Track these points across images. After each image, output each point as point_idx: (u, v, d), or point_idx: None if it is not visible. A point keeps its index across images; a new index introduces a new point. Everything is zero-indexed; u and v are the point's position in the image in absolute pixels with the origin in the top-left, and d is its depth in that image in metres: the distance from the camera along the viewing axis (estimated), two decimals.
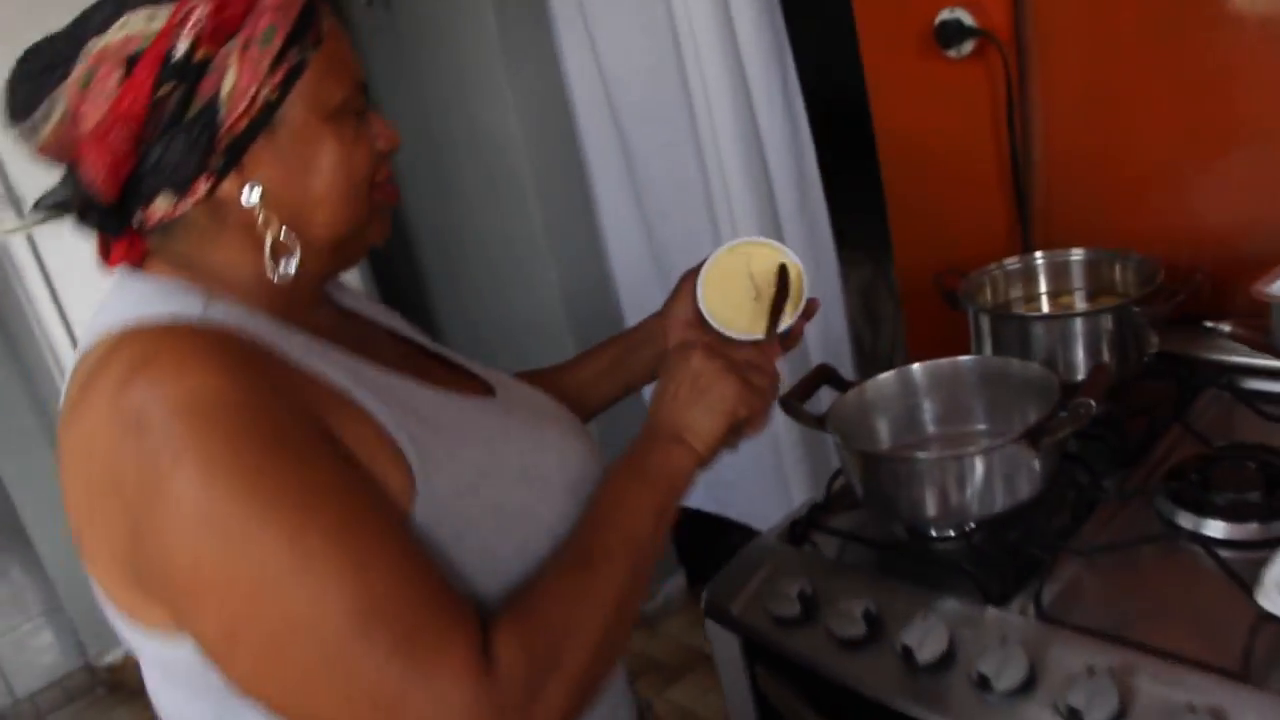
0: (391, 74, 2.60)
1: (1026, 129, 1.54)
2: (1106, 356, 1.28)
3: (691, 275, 1.13)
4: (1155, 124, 1.43)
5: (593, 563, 0.81)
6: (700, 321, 1.10)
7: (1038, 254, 1.46)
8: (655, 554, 0.87)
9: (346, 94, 0.82)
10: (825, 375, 1.29)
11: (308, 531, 0.69)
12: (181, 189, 0.78)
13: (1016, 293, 1.46)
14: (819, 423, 1.20)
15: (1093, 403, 1.04)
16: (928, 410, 1.28)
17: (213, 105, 0.76)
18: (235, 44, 0.77)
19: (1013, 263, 1.46)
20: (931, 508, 1.10)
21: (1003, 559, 1.07)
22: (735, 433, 0.96)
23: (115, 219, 0.80)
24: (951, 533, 1.14)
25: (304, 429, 0.73)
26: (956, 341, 1.39)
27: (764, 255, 1.12)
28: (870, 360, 2.72)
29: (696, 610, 1.03)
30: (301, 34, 0.79)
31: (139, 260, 0.84)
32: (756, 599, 1.16)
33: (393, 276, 2.91)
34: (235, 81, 0.76)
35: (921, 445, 1.26)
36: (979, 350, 1.38)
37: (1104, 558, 1.06)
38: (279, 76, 0.78)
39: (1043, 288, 1.46)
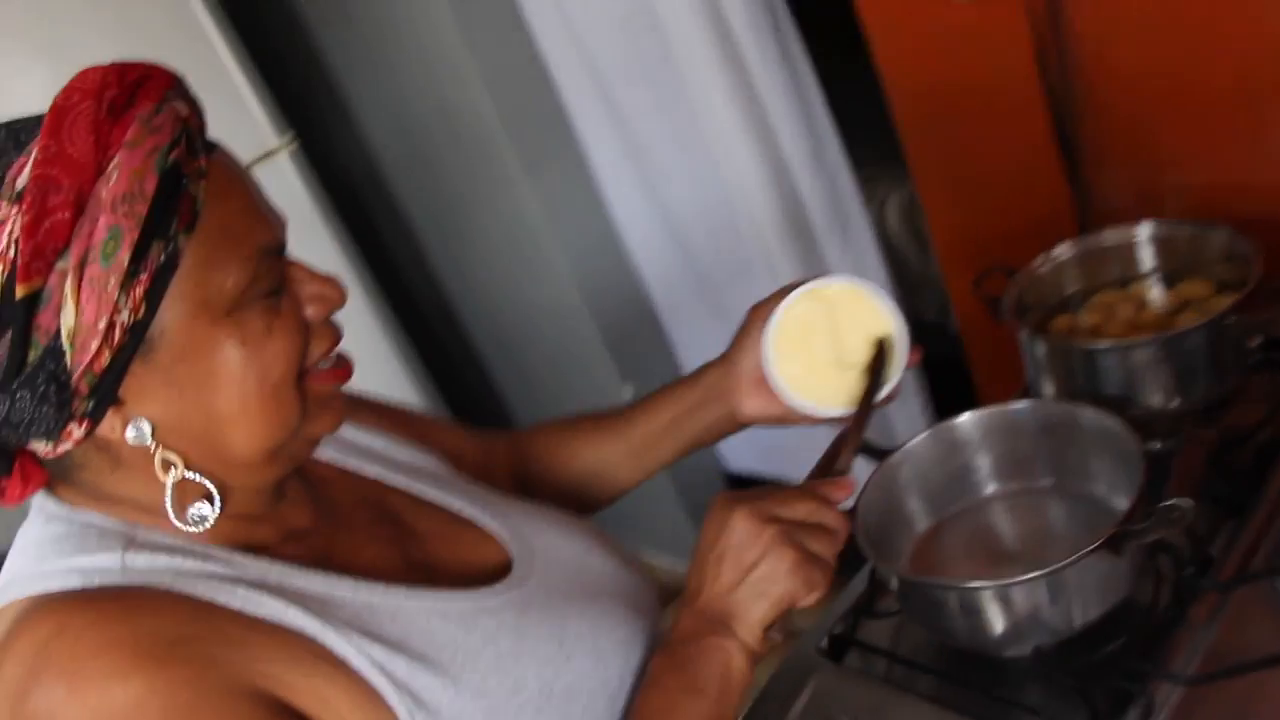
0: (357, 69, 2.35)
1: (1065, 69, 1.26)
2: (1198, 379, 1.04)
3: (758, 311, 0.93)
4: (1227, 44, 1.15)
5: None
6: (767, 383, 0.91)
7: (1098, 235, 1.19)
8: None
9: (247, 273, 0.66)
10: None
11: None
12: (51, 436, 0.65)
13: (1075, 286, 1.21)
14: (850, 513, 0.99)
15: (1189, 505, 0.81)
16: (982, 467, 1.06)
17: (55, 348, 0.62)
18: (68, 263, 0.61)
19: (1066, 251, 1.20)
20: (991, 634, 0.90)
21: (1085, 692, 0.86)
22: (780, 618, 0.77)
23: None
24: (1018, 653, 0.93)
25: None
26: None
27: (849, 302, 0.91)
28: (921, 284, 2.45)
29: None
30: (164, 221, 0.62)
31: (39, 488, 0.71)
32: None
33: (407, 283, 2.74)
34: (76, 317, 0.61)
35: (979, 510, 1.04)
36: (1035, 378, 1.14)
37: (1215, 685, 0.85)
38: (140, 289, 0.62)
39: (1108, 276, 1.20)
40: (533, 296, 2.41)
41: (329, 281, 0.72)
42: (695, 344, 2.34)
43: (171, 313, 0.64)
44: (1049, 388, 1.13)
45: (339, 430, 0.80)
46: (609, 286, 2.32)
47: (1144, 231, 1.17)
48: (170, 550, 0.69)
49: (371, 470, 0.88)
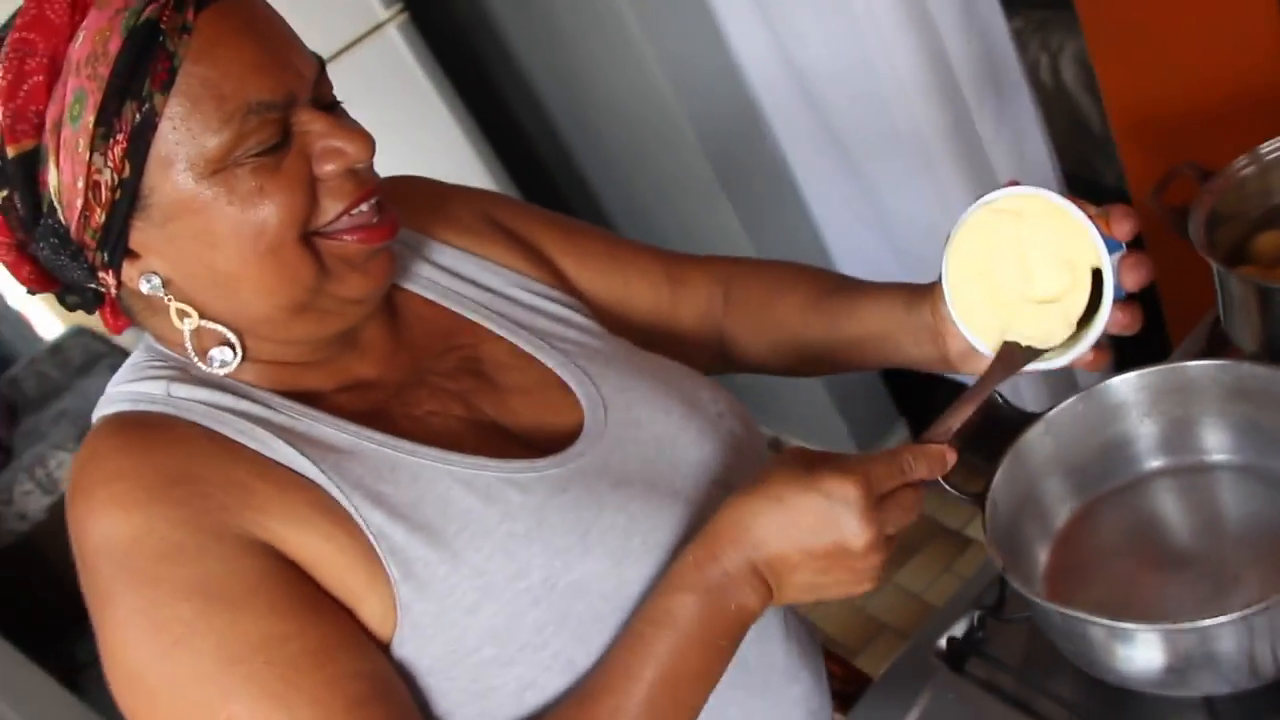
0: None
1: None
2: None
3: None
4: None
5: (597, 710, 0.66)
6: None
7: None
8: (697, 701, 0.69)
9: (232, 130, 0.63)
10: (985, 406, 0.88)
11: (230, 699, 0.63)
12: (89, 281, 0.69)
13: None
14: (979, 501, 0.81)
15: None
16: (1144, 436, 0.85)
17: (53, 205, 0.66)
18: (49, 124, 0.64)
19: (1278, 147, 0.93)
20: (1148, 674, 0.72)
21: None
22: None
23: (79, 300, 0.73)
24: (1183, 695, 0.74)
25: (239, 573, 0.65)
26: None
27: (1043, 216, 0.71)
28: (1104, 143, 2.11)
29: None
30: (135, 80, 0.62)
31: (129, 323, 0.75)
32: None
33: (537, 155, 2.60)
34: (58, 177, 0.65)
35: (1139, 490, 0.85)
36: (1230, 319, 0.90)
37: None
38: (119, 148, 0.63)
39: None
40: (665, 166, 2.23)
41: (348, 135, 0.68)
42: (836, 212, 2.11)
43: (158, 171, 0.64)
44: (1245, 333, 0.89)
45: (453, 262, 0.84)
46: (743, 155, 2.12)
47: None
48: (214, 386, 0.71)
49: (475, 315, 0.83)
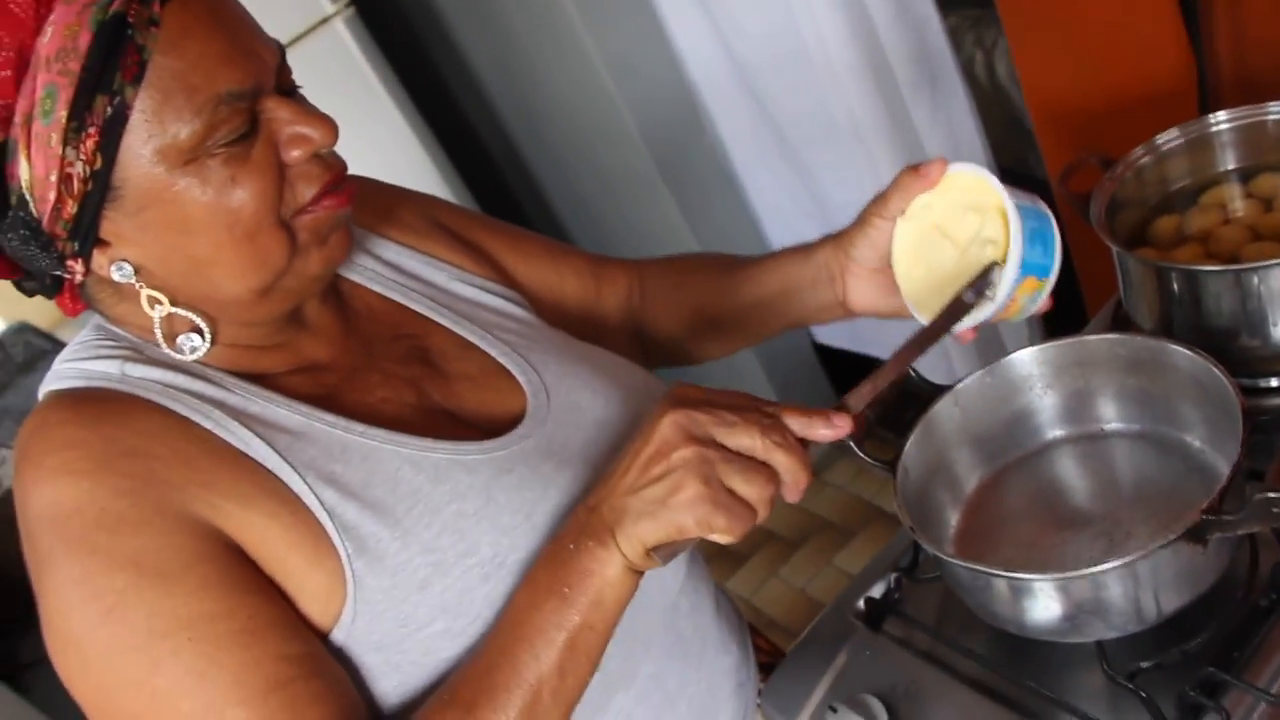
0: None
1: None
2: None
3: (880, 202, 0.82)
4: None
5: (477, 712, 0.66)
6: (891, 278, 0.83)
7: (1217, 117, 0.97)
8: (574, 689, 0.68)
9: (203, 121, 0.65)
10: (898, 380, 0.93)
11: (157, 671, 0.64)
12: (57, 270, 0.69)
13: (1185, 181, 1.00)
14: (890, 467, 0.86)
15: None
16: (1046, 409, 0.91)
17: (23, 197, 0.66)
18: (18, 119, 0.65)
19: (1176, 137, 0.99)
20: (1045, 623, 0.77)
21: (1151, 702, 0.73)
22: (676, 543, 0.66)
23: (38, 287, 0.73)
24: (1077, 641, 0.80)
25: (177, 548, 0.65)
26: None
27: (981, 197, 0.77)
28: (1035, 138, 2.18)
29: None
30: (106, 75, 0.63)
31: (86, 307, 0.75)
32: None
33: (481, 146, 2.62)
34: (30, 170, 0.65)
35: (1042, 459, 0.90)
36: (1129, 298, 0.96)
37: None
38: (90, 141, 0.63)
39: (1228, 163, 0.99)
40: (607, 158, 2.26)
41: (313, 121, 0.69)
42: (774, 202, 2.16)
43: (130, 162, 0.65)
44: (1143, 311, 0.95)
45: (398, 258, 0.86)
46: (683, 146, 2.15)
47: (1278, 114, 0.95)
48: (168, 366, 0.72)
49: (420, 305, 0.85)
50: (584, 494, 0.75)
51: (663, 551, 0.66)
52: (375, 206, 0.90)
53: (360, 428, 0.74)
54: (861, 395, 0.73)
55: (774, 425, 0.66)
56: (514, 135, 2.54)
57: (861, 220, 0.84)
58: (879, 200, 0.82)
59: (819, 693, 0.90)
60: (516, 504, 0.74)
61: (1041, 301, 0.80)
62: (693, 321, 1.01)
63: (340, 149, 0.73)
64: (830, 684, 0.90)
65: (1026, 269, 0.76)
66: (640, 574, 0.67)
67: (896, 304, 0.85)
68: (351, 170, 0.75)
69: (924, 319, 0.81)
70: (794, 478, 0.65)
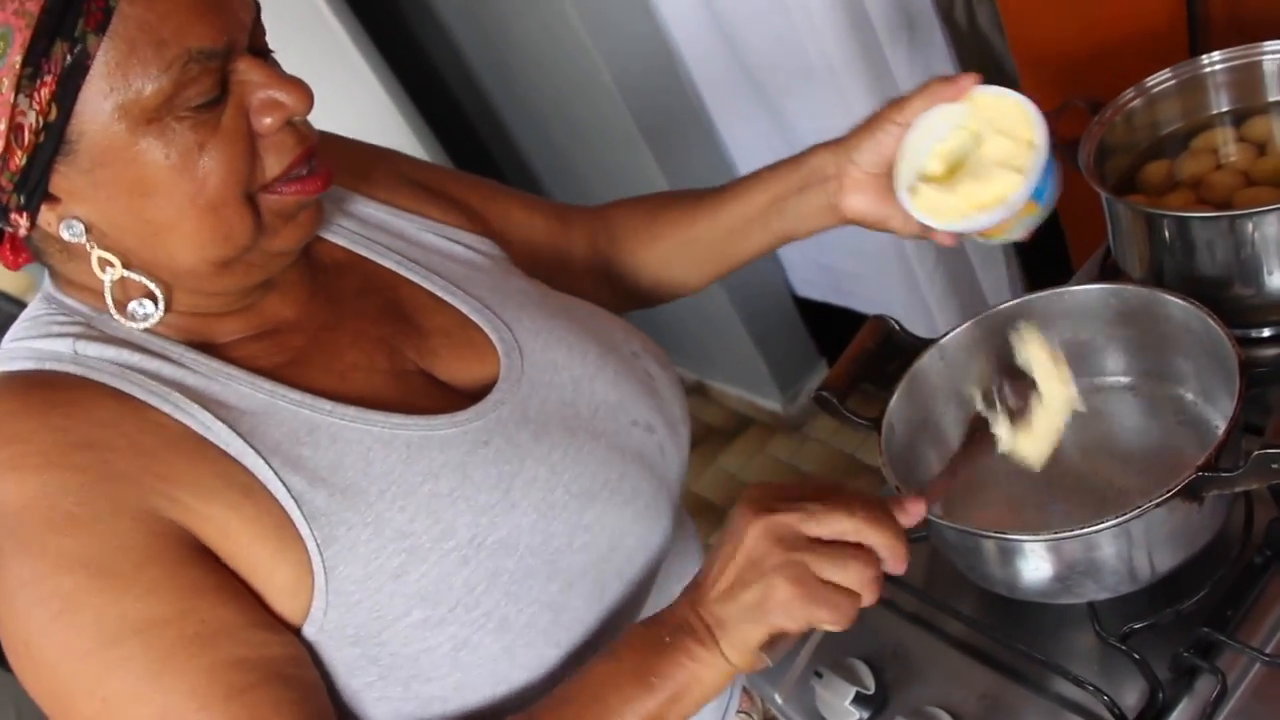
0: None
1: None
2: None
3: (895, 107, 0.79)
4: None
5: None
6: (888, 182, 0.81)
7: (1210, 58, 0.94)
8: None
9: (170, 79, 0.60)
10: (881, 333, 0.90)
11: (108, 678, 0.61)
12: (1, 222, 0.65)
13: (1176, 125, 0.97)
14: (875, 424, 0.83)
15: None
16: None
17: None
18: None
19: (1167, 78, 0.95)
20: (1035, 584, 0.75)
21: (1144, 664, 0.71)
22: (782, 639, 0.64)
23: None
24: (1068, 602, 0.78)
25: (129, 548, 0.62)
26: None
27: (999, 113, 0.76)
28: (1015, 84, 2.14)
29: None
30: (67, 20, 0.58)
31: (30, 260, 0.71)
32: (806, 690, 0.85)
33: (451, 96, 2.56)
34: None
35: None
36: (1118, 247, 0.93)
37: None
38: (46, 90, 0.59)
39: (1220, 105, 0.96)
40: (582, 110, 2.21)
41: (287, 86, 0.65)
42: (752, 152, 2.12)
43: (89, 116, 0.60)
44: (1133, 259, 0.92)
45: (366, 212, 0.82)
46: (660, 98, 2.11)
47: (1271, 52, 0.92)
48: (123, 343, 0.68)
49: (389, 260, 0.82)
50: (563, 461, 0.74)
51: (773, 652, 0.64)
52: (341, 161, 0.85)
53: (328, 405, 0.70)
54: (938, 486, 0.77)
55: (862, 503, 0.63)
56: (486, 88, 2.48)
57: (871, 123, 0.81)
58: (896, 104, 0.79)
59: (804, 658, 0.88)
60: (493, 480, 0.71)
61: (1025, 231, 0.78)
62: (667, 252, 0.98)
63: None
64: (815, 649, 0.88)
65: (1037, 194, 0.75)
66: (734, 676, 0.65)
67: (885, 212, 0.83)
68: (320, 127, 0.71)
69: (919, 215, 0.78)
70: (892, 551, 0.63)
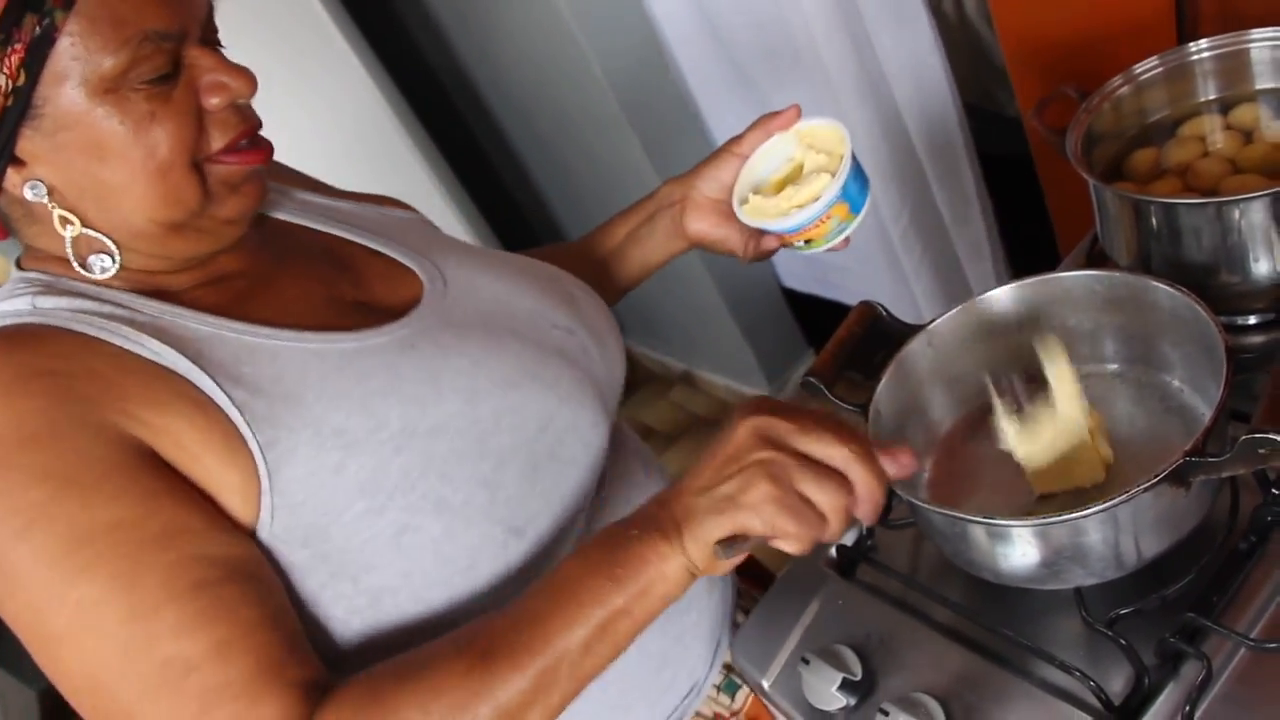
0: None
1: None
2: None
3: (733, 143, 0.92)
4: None
5: (492, 664, 0.65)
6: (727, 208, 0.93)
7: (1197, 45, 0.94)
8: (591, 671, 0.67)
9: (127, 54, 0.67)
10: (868, 319, 0.90)
11: (79, 580, 0.64)
12: None
13: (1163, 113, 0.97)
14: (862, 409, 0.83)
15: (1277, 439, 0.63)
16: (1024, 348, 0.87)
17: None
18: None
19: (1154, 66, 0.95)
20: (1021, 570, 0.75)
21: (1130, 649, 0.71)
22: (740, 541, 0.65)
23: None
24: (1054, 588, 0.78)
25: (92, 460, 0.66)
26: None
27: (827, 143, 0.88)
28: (1003, 77, 2.14)
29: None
30: None
31: (2, 237, 0.77)
32: (793, 676, 0.85)
33: (442, 90, 2.55)
34: None
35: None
36: (1105, 234, 0.93)
37: None
38: (15, 58, 0.65)
39: (1208, 93, 0.96)
40: (570, 99, 2.20)
41: (233, 72, 0.72)
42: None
43: (53, 84, 0.66)
44: (1120, 246, 0.92)
45: (307, 197, 0.91)
46: (647, 86, 2.11)
47: (1258, 39, 0.92)
48: (78, 294, 0.74)
49: (327, 226, 0.91)
50: (484, 354, 0.80)
51: (728, 551, 0.64)
52: (293, 178, 0.96)
53: (267, 330, 0.76)
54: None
55: (856, 437, 0.65)
56: (473, 77, 2.47)
57: (714, 155, 0.94)
58: (735, 139, 0.92)
59: (790, 644, 0.88)
60: (422, 375, 0.77)
61: (841, 239, 0.87)
62: None
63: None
64: (802, 635, 0.88)
65: (845, 194, 0.83)
66: (695, 578, 0.66)
67: (725, 233, 0.95)
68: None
69: (746, 219, 0.89)
70: (870, 491, 0.64)
